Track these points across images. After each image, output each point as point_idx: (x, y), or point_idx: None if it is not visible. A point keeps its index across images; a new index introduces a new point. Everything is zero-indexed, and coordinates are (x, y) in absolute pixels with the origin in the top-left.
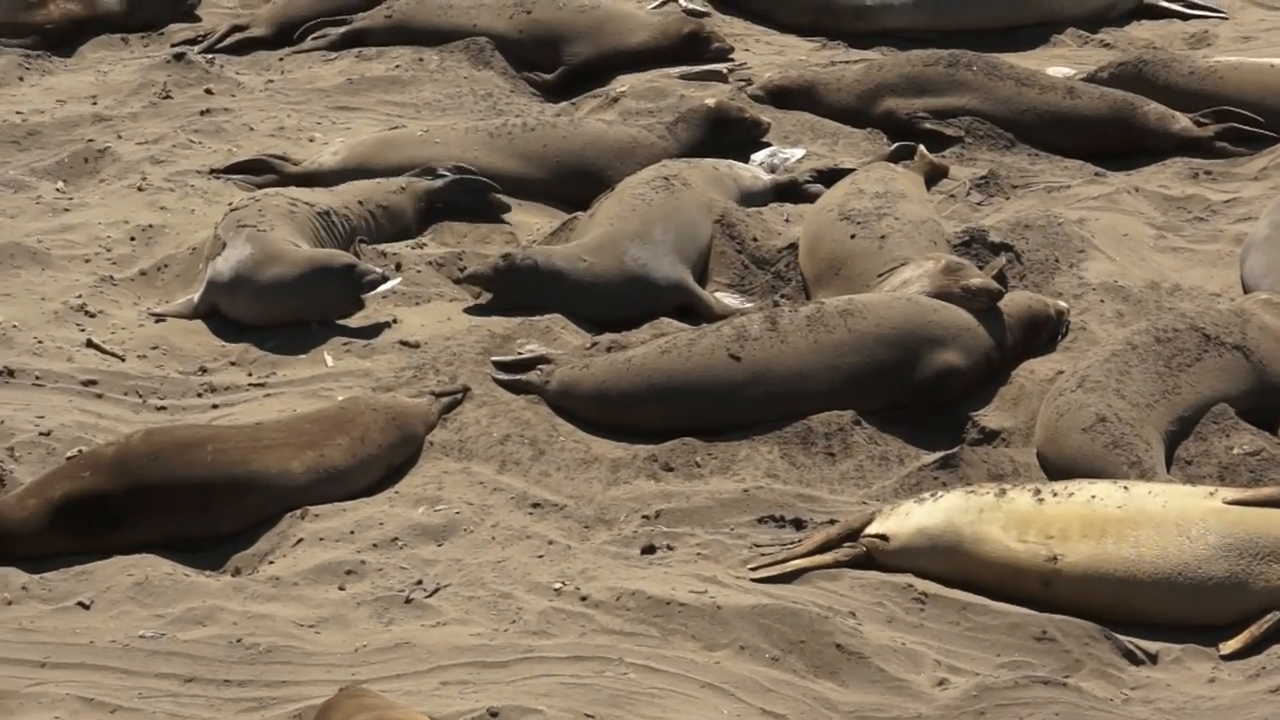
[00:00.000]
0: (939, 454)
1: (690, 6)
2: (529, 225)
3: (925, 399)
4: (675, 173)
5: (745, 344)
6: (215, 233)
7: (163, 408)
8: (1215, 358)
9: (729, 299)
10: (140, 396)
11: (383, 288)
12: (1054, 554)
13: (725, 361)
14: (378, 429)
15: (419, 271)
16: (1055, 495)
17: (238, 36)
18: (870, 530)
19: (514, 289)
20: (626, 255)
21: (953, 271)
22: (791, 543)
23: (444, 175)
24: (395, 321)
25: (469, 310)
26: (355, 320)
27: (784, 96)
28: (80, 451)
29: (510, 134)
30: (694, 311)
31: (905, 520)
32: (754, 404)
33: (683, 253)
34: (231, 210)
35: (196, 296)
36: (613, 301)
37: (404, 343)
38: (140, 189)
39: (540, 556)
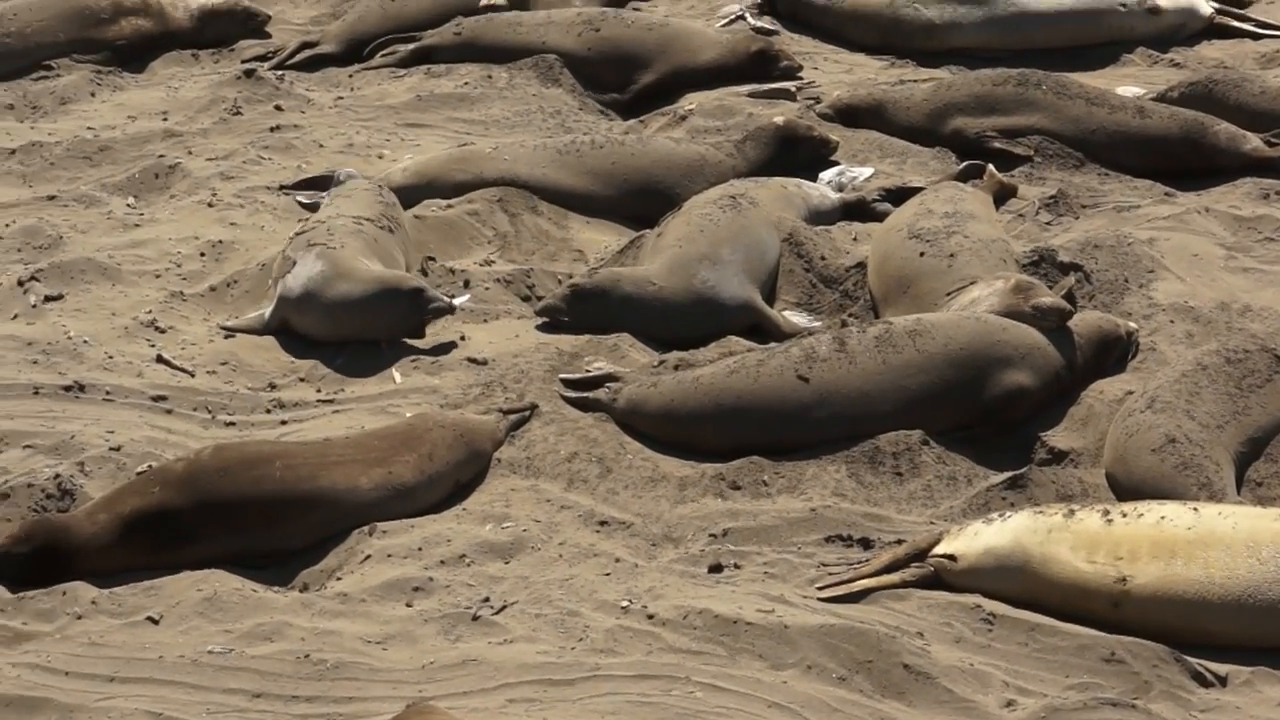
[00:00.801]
0: (1007, 474)
1: (759, 24)
2: (596, 243)
3: (994, 419)
4: (743, 191)
5: (813, 364)
6: (284, 252)
7: (232, 423)
8: None
9: (797, 318)
10: (209, 412)
11: (456, 300)
12: (1123, 575)
13: (793, 382)
14: (445, 446)
15: (487, 289)
16: (1124, 516)
17: (308, 53)
18: (938, 550)
19: (584, 315)
20: (696, 278)
21: (1022, 290)
22: (859, 562)
23: None
24: (463, 338)
25: (537, 328)
26: (425, 336)
27: (852, 115)
28: (150, 467)
29: (579, 151)
30: (762, 330)
31: (973, 540)
32: (822, 424)
33: (751, 272)
34: (299, 234)
35: (267, 312)
36: (682, 323)
37: (472, 360)
38: (210, 205)
39: (607, 574)
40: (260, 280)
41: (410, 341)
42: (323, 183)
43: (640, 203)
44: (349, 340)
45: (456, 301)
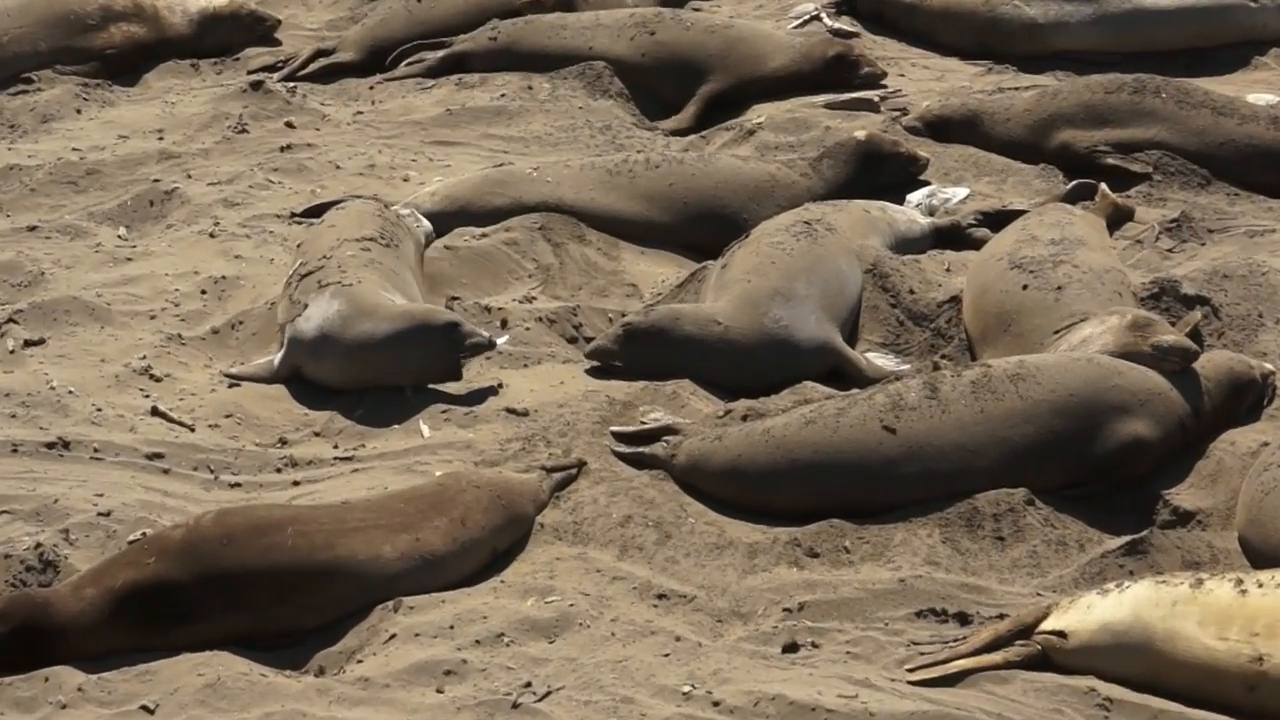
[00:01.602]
0: (1125, 539)
1: (837, 25)
2: (652, 276)
3: (1109, 475)
4: (819, 216)
5: (901, 413)
6: (290, 295)
7: (237, 485)
8: None
9: (882, 360)
10: (212, 472)
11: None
12: (1259, 654)
13: (878, 434)
14: (481, 509)
15: (527, 329)
16: (1261, 586)
17: (323, 62)
18: (1046, 626)
19: (639, 359)
20: (767, 316)
21: (1140, 328)
22: (955, 640)
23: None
24: (501, 386)
25: (585, 373)
26: (455, 385)
27: (944, 128)
28: (144, 535)
29: (632, 172)
30: (843, 375)
31: (1086, 615)
32: (911, 482)
33: (830, 309)
34: (303, 277)
35: (276, 358)
36: (752, 368)
37: (511, 410)
38: (212, 235)
39: (666, 655)
40: (269, 320)
41: (441, 387)
42: None
43: (702, 230)
44: (371, 386)
45: (491, 340)
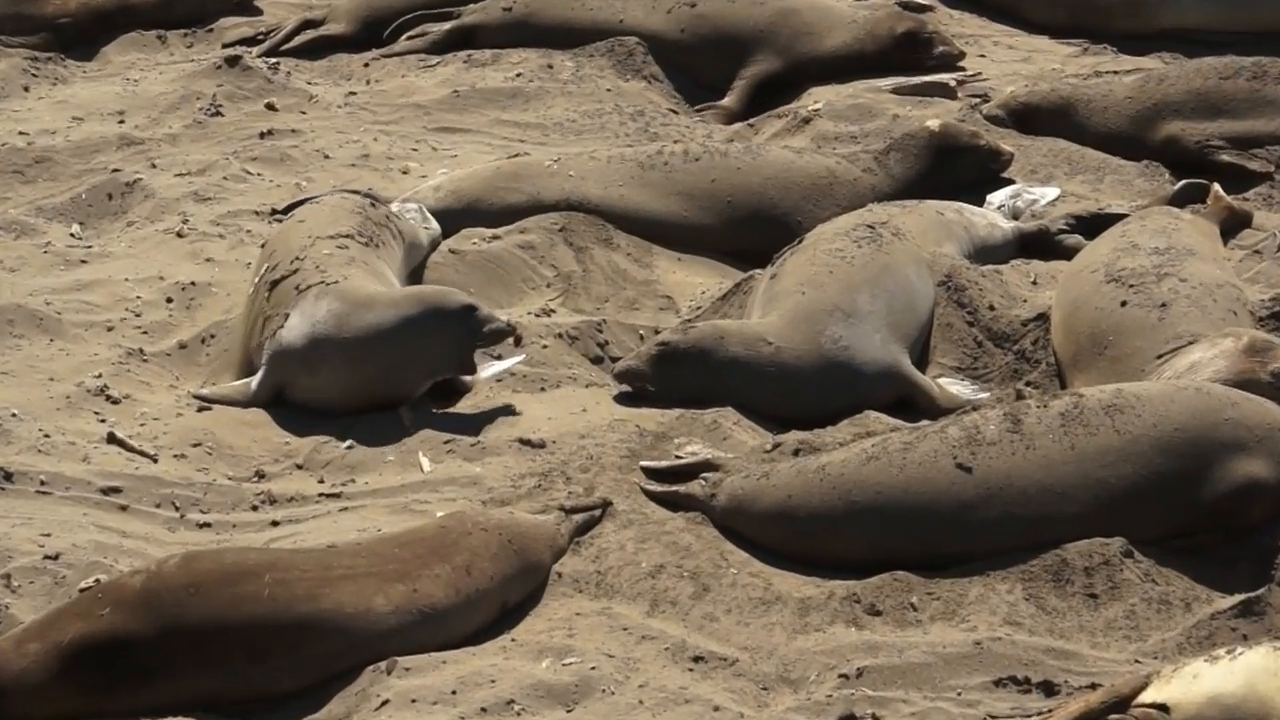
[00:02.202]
0: (1238, 597)
1: None
2: (689, 286)
3: (1220, 523)
4: (885, 219)
5: (978, 449)
6: (262, 313)
7: (206, 524)
8: None
9: (957, 387)
10: (177, 509)
11: (496, 368)
12: None
13: (951, 473)
14: (488, 556)
15: (545, 347)
16: None
17: (310, 35)
18: (1145, 698)
19: (676, 383)
20: (824, 336)
21: (1259, 352)
22: (1039, 713)
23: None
24: (514, 412)
25: (613, 399)
26: (461, 407)
27: (1031, 117)
28: (98, 581)
29: (667, 165)
30: (911, 404)
31: (1192, 685)
32: (990, 528)
33: (897, 328)
34: (273, 285)
35: (255, 379)
36: (806, 395)
37: (525, 441)
38: (180, 235)
39: None
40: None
41: (446, 414)
42: None
43: (748, 233)
44: (374, 399)
45: (506, 365)
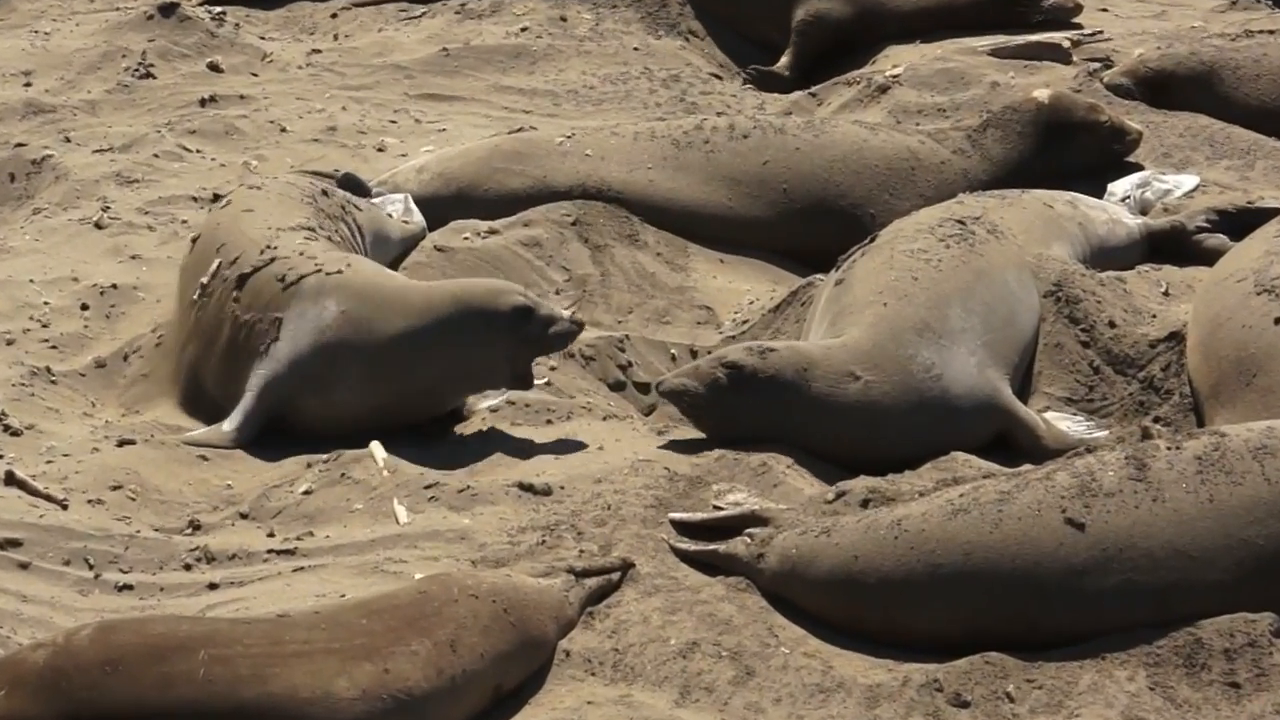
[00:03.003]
0: None
1: None
2: (734, 294)
3: None
4: (979, 213)
5: (1093, 501)
6: (228, 320)
7: (128, 586)
8: None
9: (1068, 423)
10: (91, 567)
11: (493, 397)
12: None
13: (1060, 530)
14: (479, 629)
15: (553, 368)
16: None
17: None
18: None
19: (738, 412)
20: (915, 363)
21: None
22: None
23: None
24: (514, 450)
25: (634, 432)
26: (447, 443)
27: (1165, 87)
28: None
29: (709, 144)
30: (1012, 442)
31: None
32: (1106, 600)
33: (994, 349)
34: (243, 279)
35: (239, 412)
36: (891, 437)
37: (526, 486)
38: (99, 225)
39: None
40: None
41: (424, 451)
42: None
43: (809, 229)
44: (401, 420)
45: (497, 400)
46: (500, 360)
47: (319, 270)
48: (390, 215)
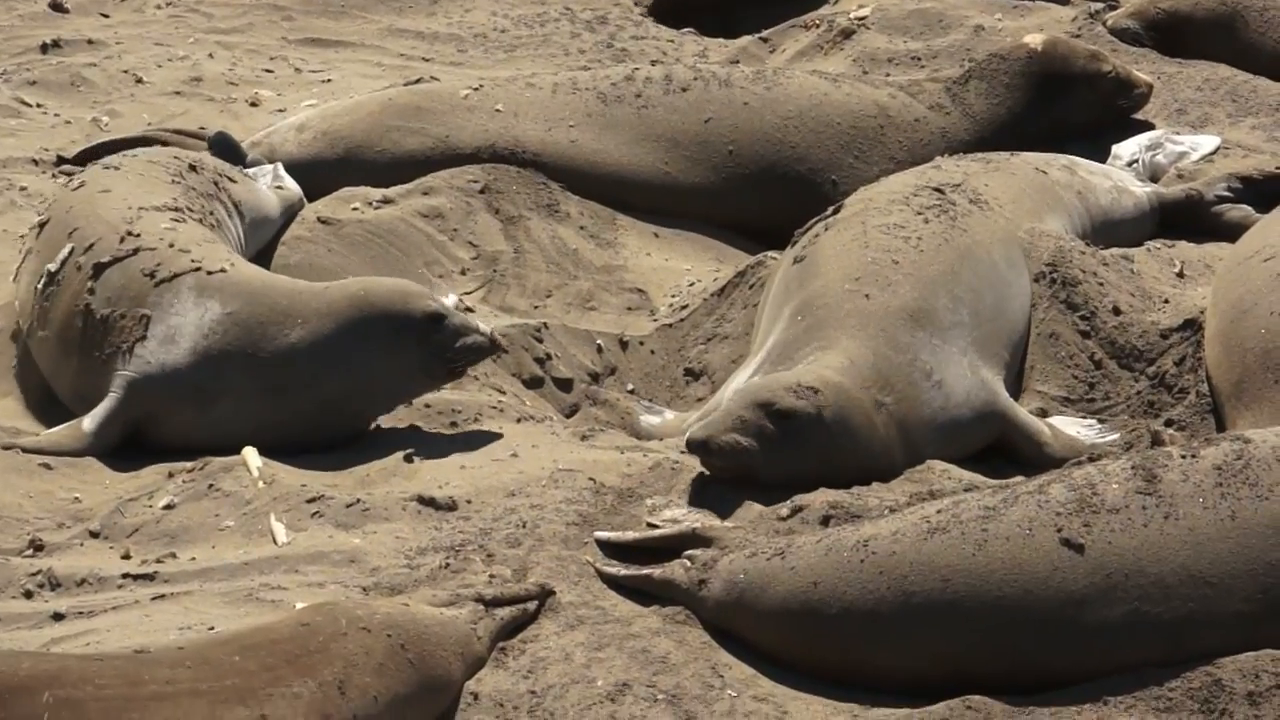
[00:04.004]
0: None
1: None
2: (670, 274)
3: None
4: (960, 180)
5: (1094, 519)
6: (99, 315)
7: None
8: None
9: (1077, 428)
10: None
11: None
12: None
13: (1054, 553)
14: (371, 667)
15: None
16: None
17: None
18: None
19: (793, 464)
20: (915, 368)
21: None
22: None
23: None
24: (411, 458)
25: (553, 436)
26: (332, 449)
27: (1179, 31)
28: None
29: (640, 97)
30: (1012, 452)
31: None
32: (1109, 634)
33: (985, 344)
34: (101, 268)
35: (98, 414)
36: (909, 455)
37: (427, 500)
38: None
39: None
40: (13, 339)
41: (310, 457)
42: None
43: (759, 197)
44: (290, 440)
45: None
46: (407, 372)
47: (197, 268)
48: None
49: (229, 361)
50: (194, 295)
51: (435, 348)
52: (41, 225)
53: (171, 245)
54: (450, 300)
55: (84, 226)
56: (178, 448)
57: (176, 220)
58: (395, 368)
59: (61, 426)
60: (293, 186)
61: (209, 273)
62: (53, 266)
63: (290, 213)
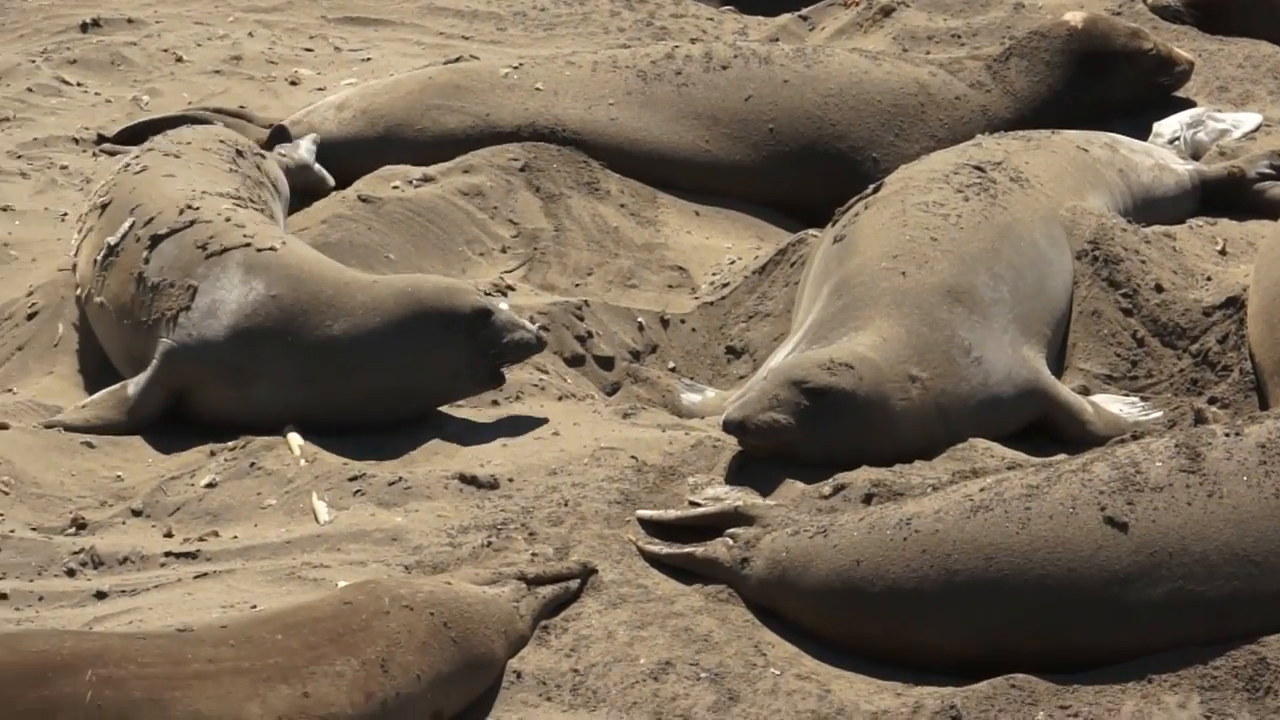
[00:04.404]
0: None
1: None
2: (711, 252)
3: None
4: (1001, 158)
5: (1138, 497)
6: (151, 282)
7: (1, 595)
8: None
9: (1119, 405)
10: None
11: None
12: None
13: (1098, 531)
14: (414, 646)
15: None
16: None
17: None
18: None
19: (829, 442)
20: (953, 345)
21: None
22: None
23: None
24: (453, 436)
25: (594, 414)
26: (376, 431)
27: (1220, 8)
28: None
29: (680, 75)
30: (1054, 430)
31: None
32: (1153, 612)
33: (1026, 321)
34: (156, 241)
35: (141, 380)
36: (948, 433)
37: (469, 479)
38: None
39: None
40: (55, 320)
41: (352, 439)
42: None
43: (799, 175)
44: (332, 423)
45: None
46: (453, 368)
47: (248, 244)
48: (289, 164)
49: (268, 344)
50: (241, 272)
51: (482, 344)
52: (103, 206)
53: (228, 220)
54: (503, 305)
55: (146, 203)
56: (218, 423)
57: (238, 205)
58: (441, 366)
59: (104, 391)
60: (304, 152)
61: (259, 250)
62: (113, 239)
63: (320, 187)
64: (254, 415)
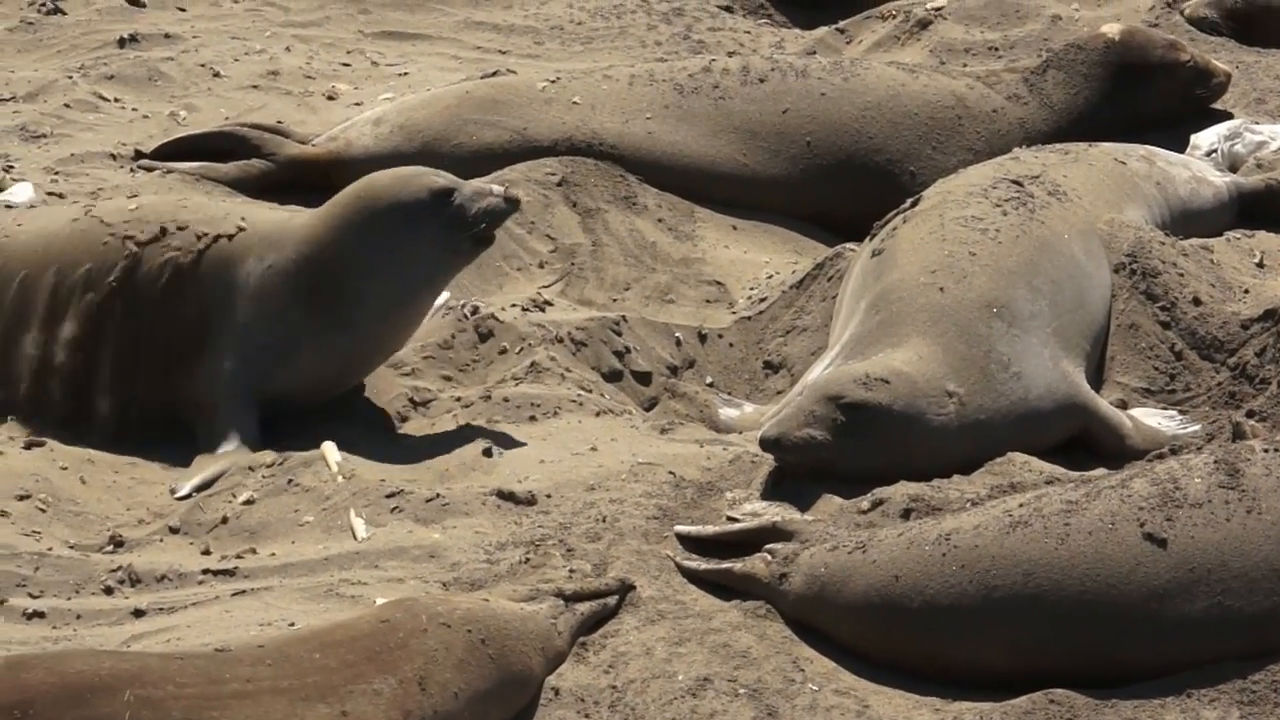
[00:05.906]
0: None
1: None
2: (749, 267)
3: None
4: (1039, 171)
5: (1177, 513)
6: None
7: (38, 614)
8: None
9: (1158, 419)
10: None
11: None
12: None
13: (1137, 547)
14: (452, 663)
15: (548, 356)
16: None
17: None
18: None
19: (865, 458)
20: (991, 360)
21: None
22: None
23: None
24: (491, 452)
25: (633, 430)
26: (414, 443)
27: (1258, 20)
28: None
29: (719, 89)
30: (1093, 445)
31: None
32: (1192, 628)
33: (1065, 335)
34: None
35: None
36: (986, 448)
37: (507, 495)
38: (0, 188)
39: None
40: None
41: (389, 451)
42: (220, 145)
43: (837, 189)
44: (359, 365)
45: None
46: (437, 252)
47: (217, 239)
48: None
49: (287, 312)
50: (228, 265)
51: (453, 220)
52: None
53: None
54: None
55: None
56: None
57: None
58: (422, 254)
59: (200, 458)
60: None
61: (229, 238)
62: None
63: None
64: (311, 387)
